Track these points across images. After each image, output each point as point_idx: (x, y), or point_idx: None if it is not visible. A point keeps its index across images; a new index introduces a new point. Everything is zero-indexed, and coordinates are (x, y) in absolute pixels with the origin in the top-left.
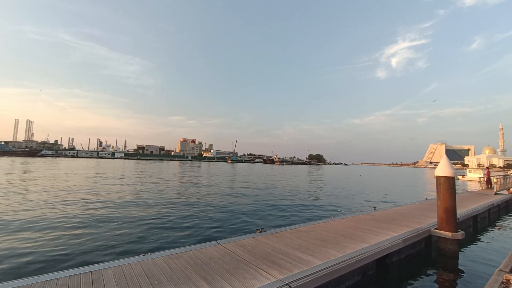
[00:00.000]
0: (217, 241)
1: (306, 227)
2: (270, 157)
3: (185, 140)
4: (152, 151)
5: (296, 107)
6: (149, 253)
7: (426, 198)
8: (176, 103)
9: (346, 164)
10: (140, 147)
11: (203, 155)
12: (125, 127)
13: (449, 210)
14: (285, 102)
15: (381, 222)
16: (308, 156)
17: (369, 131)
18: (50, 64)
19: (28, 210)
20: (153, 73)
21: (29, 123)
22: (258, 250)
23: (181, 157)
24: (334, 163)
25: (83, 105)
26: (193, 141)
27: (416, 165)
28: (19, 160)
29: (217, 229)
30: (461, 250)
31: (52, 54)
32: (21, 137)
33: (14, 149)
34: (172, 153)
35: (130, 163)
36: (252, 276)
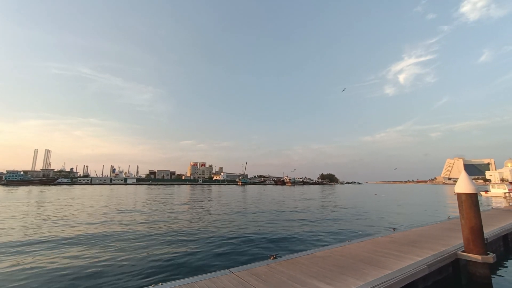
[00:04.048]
0: (230, 269)
1: (322, 252)
2: (281, 178)
3: (195, 164)
4: (163, 175)
5: (305, 127)
6: (160, 284)
7: (448, 216)
8: (187, 128)
9: (359, 183)
10: (152, 172)
11: (214, 178)
12: (137, 153)
13: (476, 230)
14: (294, 122)
15: (402, 245)
16: (320, 176)
17: (381, 148)
18: (69, 96)
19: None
20: (164, 100)
21: (47, 153)
22: (273, 279)
23: (191, 181)
24: (347, 183)
25: (98, 134)
26: (204, 164)
27: (434, 181)
28: (36, 188)
29: (229, 255)
30: (493, 275)
31: (71, 87)
32: (39, 166)
33: (32, 178)
34: (183, 177)
35: (142, 188)
36: None
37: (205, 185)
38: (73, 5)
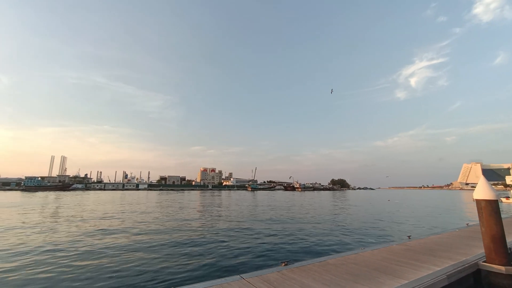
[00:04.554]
0: (241, 275)
1: (335, 259)
2: (291, 183)
3: (205, 170)
4: (174, 181)
5: (315, 132)
6: None
7: (467, 224)
8: (196, 134)
9: (371, 189)
10: (163, 178)
11: (223, 184)
12: (148, 158)
13: (497, 239)
14: (304, 128)
15: (418, 253)
16: (331, 181)
17: (394, 153)
18: (84, 104)
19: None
20: (175, 107)
21: (63, 159)
22: (284, 286)
23: (201, 187)
24: (359, 188)
25: (111, 140)
26: (213, 170)
27: (450, 187)
28: (52, 194)
29: (239, 260)
30: None
31: (86, 95)
32: (55, 172)
33: (49, 184)
34: (193, 183)
35: (153, 194)
36: None
37: (215, 191)
38: (88, 16)
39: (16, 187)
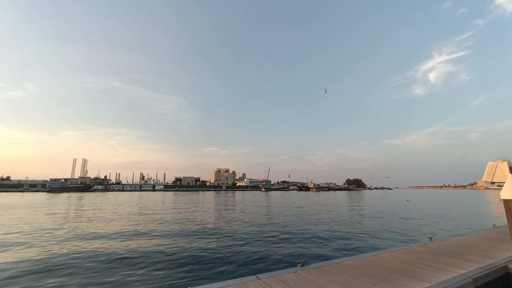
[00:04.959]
0: (257, 275)
1: (352, 261)
2: (305, 183)
3: (219, 170)
4: (188, 182)
5: (329, 132)
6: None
7: (494, 225)
8: (210, 135)
9: (389, 189)
10: (178, 179)
11: (237, 184)
12: (164, 160)
13: None
14: (317, 127)
15: (441, 255)
16: (346, 181)
17: (412, 151)
18: (102, 108)
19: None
20: (188, 109)
21: (84, 161)
22: (301, 287)
23: (215, 187)
24: (376, 188)
25: (129, 142)
26: (227, 171)
27: (474, 186)
28: (75, 195)
29: (255, 260)
30: None
31: (104, 99)
32: (77, 174)
33: (71, 185)
34: (208, 183)
35: (169, 195)
36: None
37: (229, 191)
38: (104, 23)
39: (42, 189)
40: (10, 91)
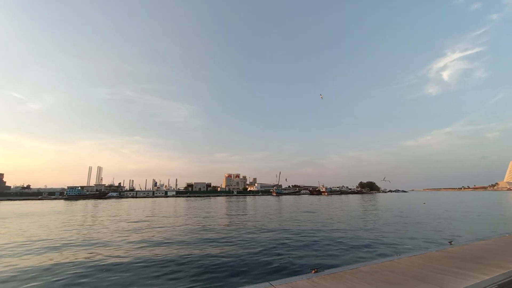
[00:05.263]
0: (270, 282)
1: (368, 267)
2: (317, 187)
3: (230, 176)
4: (200, 188)
5: (340, 134)
6: None
7: None
8: (220, 141)
9: (404, 191)
10: (189, 185)
11: (248, 189)
12: (175, 166)
13: None
14: (328, 130)
15: (462, 260)
16: (359, 184)
17: (427, 152)
18: (116, 117)
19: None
20: (199, 116)
21: (99, 169)
22: None
23: (226, 192)
24: (390, 191)
25: (142, 150)
26: (238, 176)
27: (495, 187)
28: (91, 202)
29: (268, 266)
30: None
31: (118, 109)
32: (93, 182)
33: (87, 193)
34: (219, 189)
35: (181, 201)
36: None
37: (240, 197)
38: (116, 35)
39: (60, 196)
40: (30, 104)
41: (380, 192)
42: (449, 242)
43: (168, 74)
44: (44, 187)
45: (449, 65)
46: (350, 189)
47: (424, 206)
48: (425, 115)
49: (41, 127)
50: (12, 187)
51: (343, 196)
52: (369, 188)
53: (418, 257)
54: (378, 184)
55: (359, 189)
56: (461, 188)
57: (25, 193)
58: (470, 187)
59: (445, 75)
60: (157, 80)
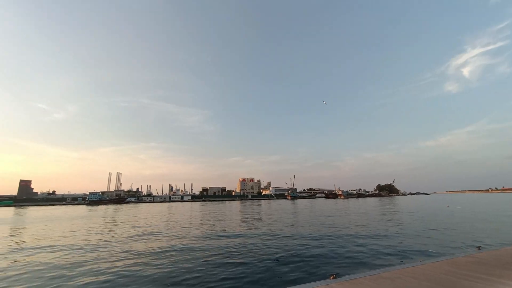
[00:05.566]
0: (286, 287)
1: (389, 272)
2: (332, 190)
3: (244, 180)
4: (215, 192)
5: (356, 136)
6: None
7: None
8: (234, 145)
9: (426, 194)
10: (205, 189)
11: (262, 193)
12: (190, 171)
13: None
14: (343, 132)
15: (492, 266)
16: (376, 187)
17: (449, 153)
18: (133, 124)
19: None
20: (212, 121)
21: (118, 175)
22: None
23: (241, 197)
24: (410, 193)
25: (158, 155)
26: (252, 180)
27: None
28: (111, 207)
29: (285, 271)
30: None
31: (134, 116)
32: (112, 187)
33: (107, 198)
34: (233, 193)
35: (197, 205)
36: None
37: (254, 201)
38: (130, 45)
39: (82, 202)
40: (55, 114)
41: (399, 195)
42: (476, 247)
43: (180, 80)
44: (67, 193)
45: (469, 61)
46: (367, 192)
47: (448, 209)
48: (445, 114)
49: (64, 135)
50: (38, 193)
51: (360, 199)
52: (388, 190)
53: (443, 263)
54: (396, 186)
55: (377, 192)
56: (488, 190)
57: (51, 199)
58: (498, 188)
59: (466, 71)
60: (170, 87)
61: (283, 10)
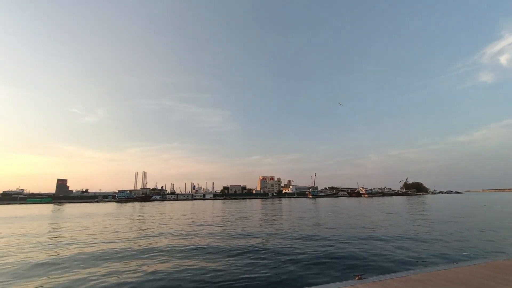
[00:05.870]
0: (310, 287)
1: (420, 275)
2: (355, 189)
3: (264, 178)
4: (235, 190)
5: (380, 132)
6: None
7: None
8: (254, 144)
9: (458, 192)
10: (225, 188)
11: (283, 191)
12: (211, 170)
13: None
14: (367, 128)
15: None
16: (403, 185)
17: (485, 148)
18: (157, 126)
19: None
20: (232, 121)
21: (144, 174)
22: None
23: (262, 195)
24: (441, 192)
25: (181, 155)
26: (272, 178)
27: None
28: (138, 204)
29: (309, 271)
30: None
31: (158, 118)
32: (139, 186)
33: (134, 196)
34: (254, 191)
35: (219, 203)
36: None
37: (275, 199)
38: (153, 49)
39: (112, 199)
40: (86, 117)
41: (428, 194)
42: None
43: (201, 81)
44: (99, 191)
45: (507, 48)
46: (393, 190)
47: (485, 209)
48: (480, 107)
49: (95, 138)
50: (74, 191)
51: (385, 198)
52: (415, 189)
53: (481, 266)
54: (425, 184)
55: (403, 190)
56: None
57: (84, 197)
58: None
59: (503, 59)
60: (191, 88)
61: (302, 6)
